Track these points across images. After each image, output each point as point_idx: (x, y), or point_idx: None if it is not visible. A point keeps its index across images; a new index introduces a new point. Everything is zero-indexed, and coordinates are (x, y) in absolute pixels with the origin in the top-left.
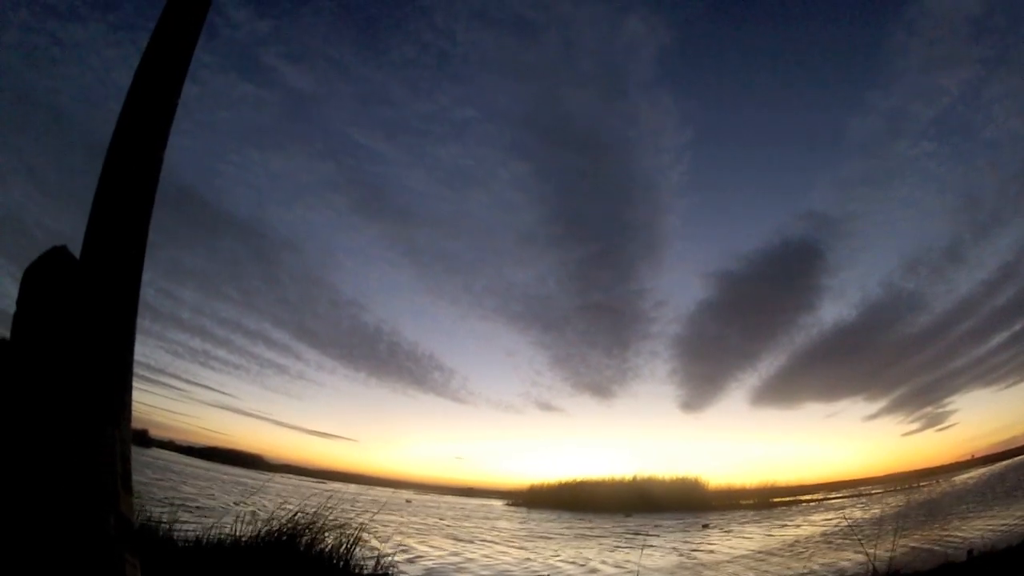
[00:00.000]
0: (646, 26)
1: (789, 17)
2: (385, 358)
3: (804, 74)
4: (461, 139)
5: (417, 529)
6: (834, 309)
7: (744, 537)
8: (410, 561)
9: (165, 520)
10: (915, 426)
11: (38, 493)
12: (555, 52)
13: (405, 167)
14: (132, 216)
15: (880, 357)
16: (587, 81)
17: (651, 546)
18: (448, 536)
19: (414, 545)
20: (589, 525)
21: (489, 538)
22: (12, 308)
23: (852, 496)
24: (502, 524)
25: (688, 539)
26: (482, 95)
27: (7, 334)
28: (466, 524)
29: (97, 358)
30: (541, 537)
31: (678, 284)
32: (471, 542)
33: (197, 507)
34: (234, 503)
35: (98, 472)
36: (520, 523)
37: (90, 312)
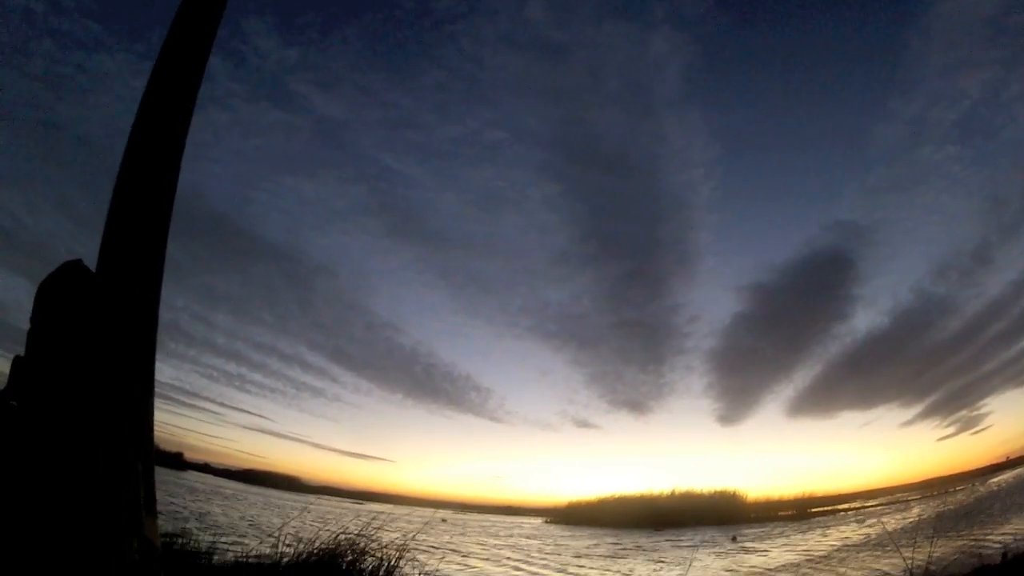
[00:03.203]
0: (670, 44)
1: (810, 28)
2: (421, 379)
3: (828, 84)
4: (492, 161)
5: (456, 549)
6: (867, 317)
7: (781, 548)
8: None
9: (204, 543)
10: (950, 430)
11: (57, 517)
12: (582, 73)
13: (437, 190)
14: (150, 225)
15: (914, 363)
16: (614, 100)
17: (673, 561)
18: (486, 556)
19: (454, 566)
20: (624, 542)
21: (525, 558)
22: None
23: (889, 503)
24: (537, 543)
25: (724, 552)
26: (511, 117)
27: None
28: (503, 542)
29: (117, 375)
30: (579, 555)
31: (711, 298)
32: (507, 561)
33: (234, 530)
34: (272, 525)
35: (120, 495)
36: (556, 541)
37: (108, 327)
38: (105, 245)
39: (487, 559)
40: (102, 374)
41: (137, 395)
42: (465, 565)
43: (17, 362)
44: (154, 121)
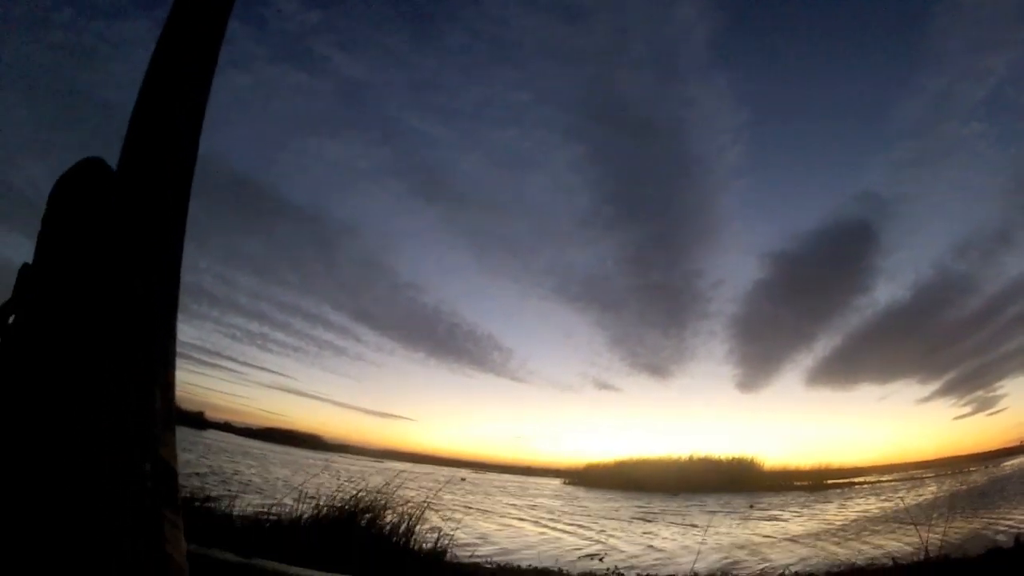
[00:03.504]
0: (696, 9)
1: None
2: (444, 339)
3: (855, 54)
4: (517, 123)
5: (476, 507)
6: (888, 290)
7: (800, 517)
8: (473, 540)
9: (223, 498)
10: (966, 410)
11: (58, 433)
12: (607, 36)
13: (461, 151)
14: (180, 120)
15: (932, 339)
16: (640, 64)
17: (697, 526)
18: (504, 514)
19: (472, 523)
20: (646, 504)
21: (542, 517)
22: None
23: (903, 479)
24: (560, 504)
25: (741, 520)
26: (537, 79)
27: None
28: (527, 501)
29: (137, 282)
30: (597, 516)
31: (735, 264)
32: (525, 520)
33: (254, 486)
34: (293, 482)
35: (132, 408)
36: (580, 503)
37: (129, 232)
38: (129, 142)
39: (517, 519)
40: (121, 279)
41: (159, 312)
42: (500, 524)
43: (24, 270)
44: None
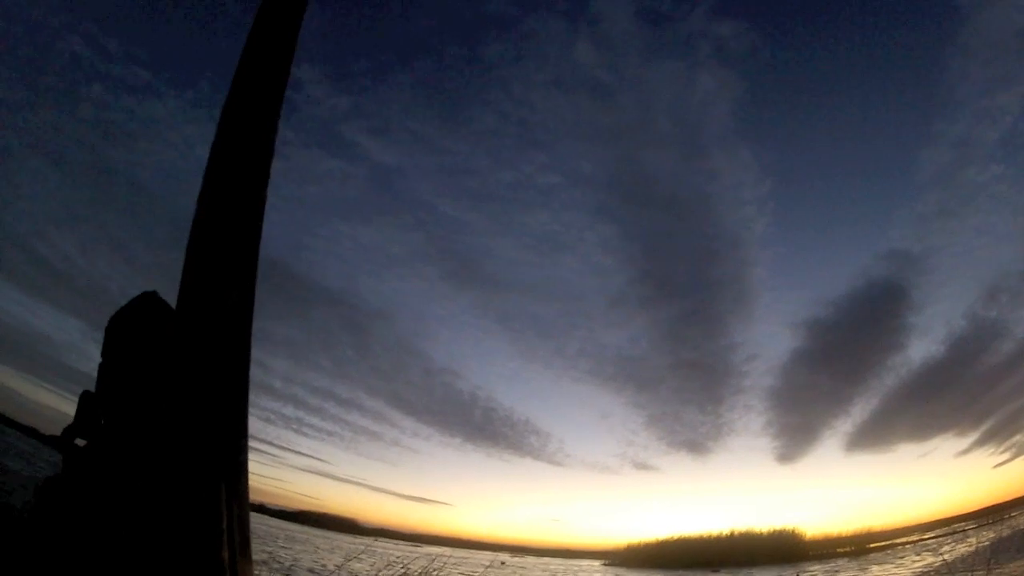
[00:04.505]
0: (717, 81)
1: (852, 57)
2: (480, 424)
3: (873, 111)
4: (547, 205)
5: None
6: (922, 346)
7: None
8: None
9: None
10: (1005, 456)
11: (145, 562)
12: (632, 113)
13: (493, 235)
14: (238, 251)
15: (968, 390)
16: (665, 140)
17: None
18: None
19: None
20: None
21: None
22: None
23: (946, 534)
24: None
25: None
26: (564, 160)
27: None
28: None
29: (204, 414)
30: None
31: (768, 335)
32: None
33: (297, 570)
34: (334, 566)
35: (210, 539)
36: None
37: (192, 364)
38: (187, 276)
39: None
40: (186, 413)
41: (228, 436)
42: None
43: (86, 397)
44: (235, 145)
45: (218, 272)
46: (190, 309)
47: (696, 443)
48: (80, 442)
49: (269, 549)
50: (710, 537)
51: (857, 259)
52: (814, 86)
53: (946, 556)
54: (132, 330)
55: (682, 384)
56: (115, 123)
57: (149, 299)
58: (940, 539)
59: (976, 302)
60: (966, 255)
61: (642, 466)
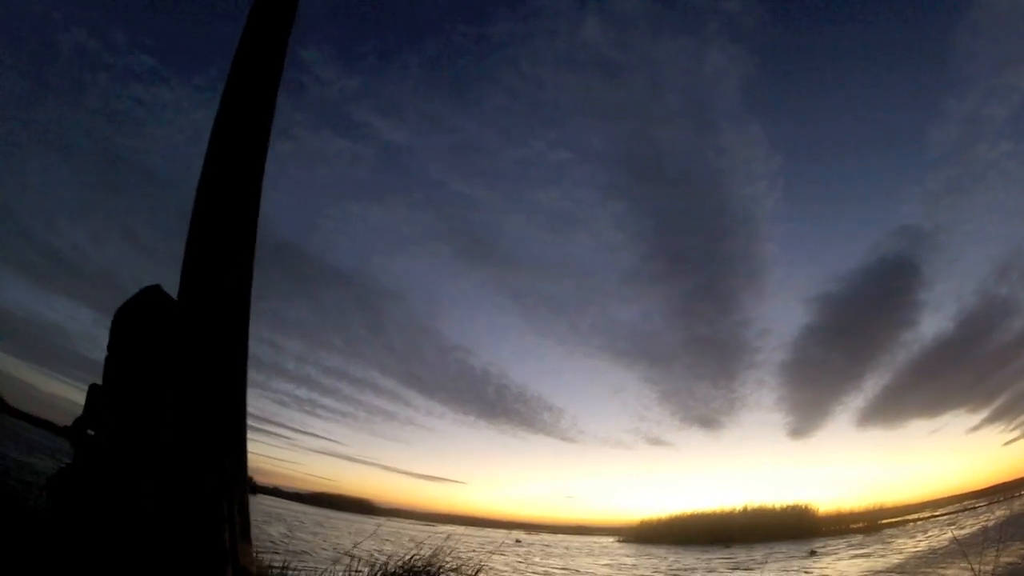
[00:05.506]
0: (727, 56)
1: (862, 32)
2: (494, 401)
3: (882, 87)
4: (558, 182)
5: (532, 569)
6: (933, 323)
7: (853, 560)
8: None
9: (277, 566)
10: (1016, 433)
11: (150, 548)
12: (642, 90)
13: (505, 212)
14: (234, 245)
15: (980, 367)
16: (676, 116)
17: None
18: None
19: None
20: (692, 559)
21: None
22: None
23: (957, 511)
24: (627, 559)
25: (799, 566)
26: (575, 137)
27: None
28: (579, 562)
29: (205, 403)
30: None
31: (780, 311)
32: None
33: (308, 552)
34: (346, 547)
35: (212, 523)
36: (643, 557)
37: (194, 354)
38: (187, 269)
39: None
40: (189, 402)
41: (228, 424)
42: None
43: (94, 390)
44: (231, 141)
45: (216, 255)
46: (191, 294)
47: (709, 418)
48: (91, 432)
49: (272, 530)
50: (723, 513)
51: (868, 234)
52: (823, 62)
53: (957, 533)
54: (136, 324)
55: (695, 359)
56: (122, 111)
57: (152, 293)
58: (951, 516)
59: (987, 279)
60: (977, 232)
61: (655, 441)
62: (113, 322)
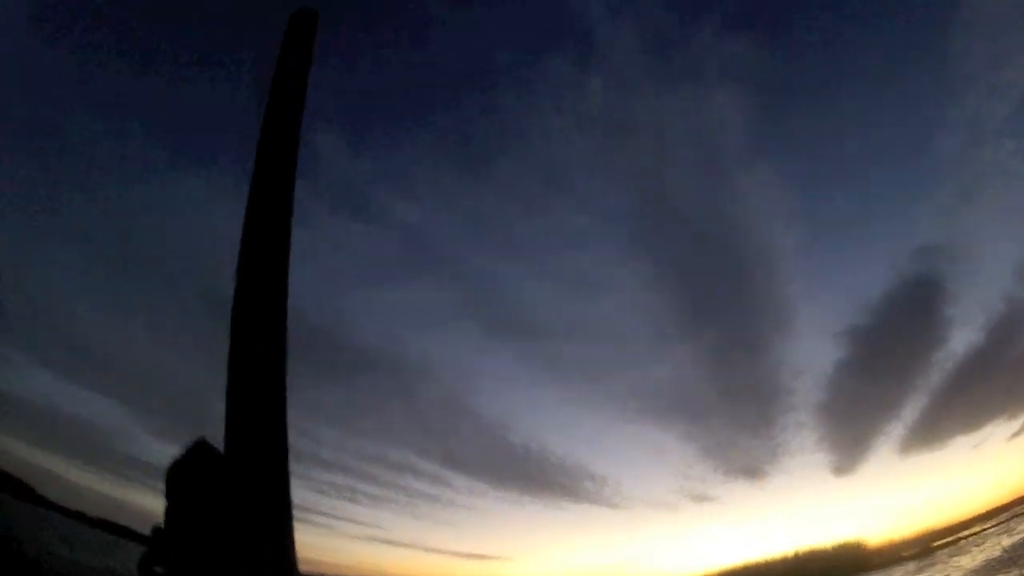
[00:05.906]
0: (729, 96)
1: (856, 53)
2: (535, 475)
3: (885, 105)
4: (578, 247)
5: None
6: (963, 336)
7: None
8: None
9: None
10: None
11: None
12: (650, 145)
13: (528, 284)
14: (270, 403)
15: (1013, 371)
16: (686, 167)
17: None
18: None
19: None
20: None
21: None
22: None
23: (1008, 519)
24: None
25: None
26: (590, 201)
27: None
28: None
29: (254, 555)
30: None
31: (811, 350)
32: None
33: None
34: None
35: None
36: None
37: (241, 504)
38: (230, 430)
39: None
40: (240, 546)
41: (278, 565)
42: None
43: (157, 532)
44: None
45: (256, 426)
46: (234, 447)
47: (752, 468)
48: (157, 570)
49: None
50: (774, 560)
51: (888, 259)
52: (823, 89)
53: (1005, 542)
54: (188, 478)
55: (732, 410)
56: (139, 200)
57: (200, 447)
58: (999, 527)
59: (1010, 283)
60: (993, 237)
61: (700, 498)
62: (167, 475)
